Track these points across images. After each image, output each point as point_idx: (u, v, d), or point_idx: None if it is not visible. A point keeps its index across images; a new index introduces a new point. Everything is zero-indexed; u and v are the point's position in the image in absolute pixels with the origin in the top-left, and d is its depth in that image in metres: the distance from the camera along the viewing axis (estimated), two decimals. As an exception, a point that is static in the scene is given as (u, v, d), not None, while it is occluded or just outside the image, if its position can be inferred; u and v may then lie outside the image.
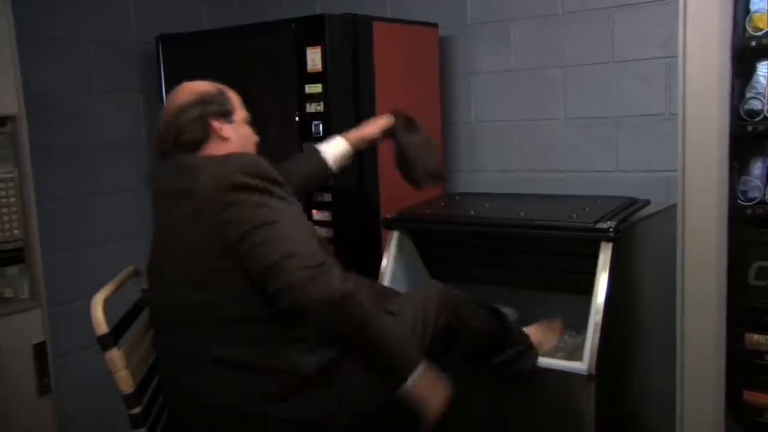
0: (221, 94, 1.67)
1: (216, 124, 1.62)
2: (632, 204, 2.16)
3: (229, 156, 1.53)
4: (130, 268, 1.79)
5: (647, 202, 2.20)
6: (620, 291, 1.96)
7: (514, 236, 2.13)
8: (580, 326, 2.30)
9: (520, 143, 2.73)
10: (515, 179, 2.71)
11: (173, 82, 2.58)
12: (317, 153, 2.02)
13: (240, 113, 1.69)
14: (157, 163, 1.69)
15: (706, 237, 1.72)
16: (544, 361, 1.96)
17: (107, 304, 1.54)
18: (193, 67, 2.58)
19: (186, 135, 1.60)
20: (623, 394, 2.07)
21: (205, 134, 1.61)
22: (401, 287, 2.18)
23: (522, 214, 2.13)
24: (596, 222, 1.96)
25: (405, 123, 2.04)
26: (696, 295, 1.75)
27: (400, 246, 2.26)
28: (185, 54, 2.63)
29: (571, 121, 2.61)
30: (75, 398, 2.55)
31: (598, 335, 1.88)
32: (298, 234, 1.41)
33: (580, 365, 1.87)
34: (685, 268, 1.77)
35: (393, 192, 2.38)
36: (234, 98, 1.70)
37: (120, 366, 1.49)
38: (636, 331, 2.11)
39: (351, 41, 2.30)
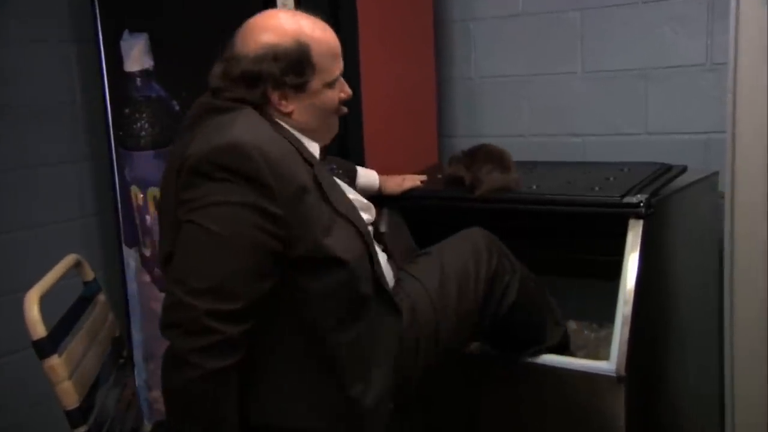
0: (301, 51, 1.53)
1: (275, 95, 1.55)
2: (666, 172, 2.16)
3: (219, 133, 1.45)
4: (71, 257, 1.76)
5: (684, 169, 2.20)
6: (652, 276, 1.96)
7: (524, 213, 2.13)
8: (604, 318, 2.33)
9: (530, 102, 2.73)
10: (524, 145, 2.71)
11: (114, 31, 2.59)
12: (354, 168, 2.10)
13: (323, 75, 1.58)
14: (200, 99, 1.62)
15: (760, 211, 1.71)
16: (564, 361, 1.96)
17: (44, 301, 1.52)
18: (138, 13, 2.55)
19: (234, 92, 1.54)
20: (658, 397, 2.09)
21: (261, 102, 1.55)
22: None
23: (534, 187, 2.13)
24: (624, 195, 1.95)
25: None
26: (748, 280, 1.75)
27: (388, 227, 2.24)
28: (128, -4, 2.58)
29: (590, 75, 2.60)
30: (4, 411, 2.54)
31: (627, 329, 1.87)
32: (212, 257, 1.38)
33: (607, 365, 1.87)
34: (735, 249, 1.77)
35: (381, 162, 2.36)
36: (322, 53, 1.57)
37: (62, 376, 1.48)
38: (671, 324, 2.12)
39: (329, -18, 2.27)
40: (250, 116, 1.52)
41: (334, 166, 1.82)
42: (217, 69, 1.58)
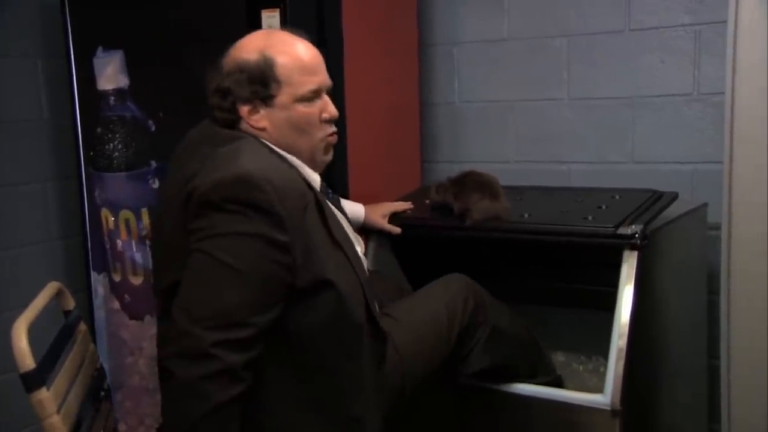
0: (265, 64, 1.58)
1: (244, 109, 1.60)
2: (657, 199, 2.20)
3: (227, 164, 1.48)
4: (54, 285, 1.74)
5: (675, 196, 2.24)
6: (646, 308, 1.99)
7: (515, 243, 2.15)
8: (593, 349, 2.36)
9: (515, 128, 2.76)
10: (508, 172, 2.73)
11: (86, 47, 2.57)
12: (338, 198, 2.10)
13: (291, 89, 1.60)
14: (204, 123, 1.67)
15: (759, 246, 1.76)
16: (558, 394, 1.98)
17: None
18: (113, 29, 2.54)
19: (215, 112, 1.61)
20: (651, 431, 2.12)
21: (234, 117, 1.60)
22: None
23: (526, 215, 2.15)
24: (618, 226, 1.99)
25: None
26: (746, 318, 1.79)
27: (376, 255, 2.26)
28: (102, 11, 2.56)
29: (576, 102, 2.65)
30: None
31: (622, 362, 1.89)
32: (222, 287, 1.41)
33: (602, 398, 1.89)
34: (733, 284, 1.81)
35: (364, 187, 2.39)
36: (289, 67, 1.59)
37: (50, 410, 1.45)
38: (663, 357, 2.15)
39: (315, 4, 2.28)
40: (253, 145, 1.56)
41: (330, 191, 1.84)
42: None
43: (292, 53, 1.62)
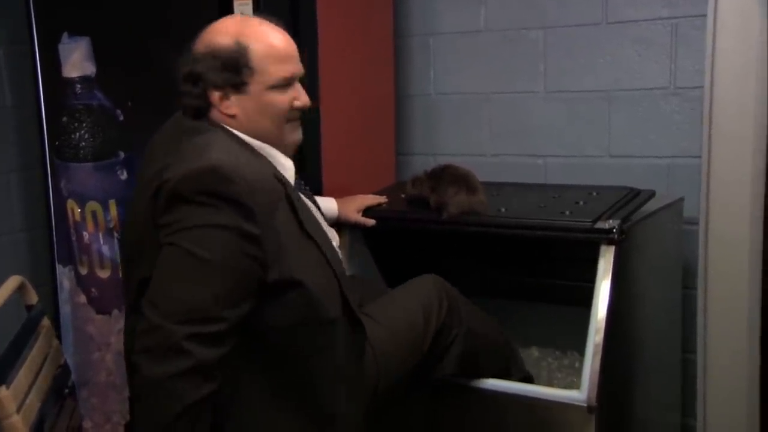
0: (238, 51, 1.56)
1: (215, 95, 1.57)
2: (635, 197, 2.19)
3: (197, 156, 1.46)
4: (15, 279, 1.70)
5: (652, 194, 2.23)
6: (622, 304, 1.98)
7: (491, 237, 2.13)
8: (567, 344, 2.35)
9: (490, 121, 2.73)
10: (483, 164, 2.70)
11: (51, 33, 2.51)
12: (312, 195, 2.08)
13: (264, 78, 1.58)
14: (176, 115, 1.64)
15: (736, 242, 1.75)
16: (533, 390, 1.96)
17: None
18: (79, 15, 2.49)
19: (184, 99, 1.59)
20: (626, 428, 2.11)
21: (205, 104, 1.58)
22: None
23: (503, 210, 2.14)
24: (595, 221, 1.97)
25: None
26: (723, 314, 1.78)
27: (350, 250, 2.23)
28: (67, -1, 2.51)
29: (552, 95, 2.62)
30: None
31: (599, 358, 1.89)
32: (194, 279, 1.38)
33: (578, 395, 1.87)
34: (710, 279, 1.80)
35: (338, 180, 2.36)
36: (262, 55, 1.58)
37: (10, 410, 1.41)
38: (638, 352, 2.15)
39: (289, -7, 2.24)
40: (222, 138, 1.54)
41: (302, 182, 1.81)
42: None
43: (266, 40, 1.61)
